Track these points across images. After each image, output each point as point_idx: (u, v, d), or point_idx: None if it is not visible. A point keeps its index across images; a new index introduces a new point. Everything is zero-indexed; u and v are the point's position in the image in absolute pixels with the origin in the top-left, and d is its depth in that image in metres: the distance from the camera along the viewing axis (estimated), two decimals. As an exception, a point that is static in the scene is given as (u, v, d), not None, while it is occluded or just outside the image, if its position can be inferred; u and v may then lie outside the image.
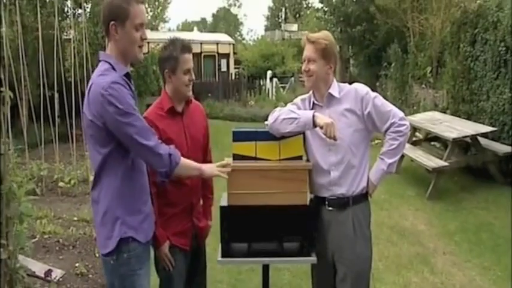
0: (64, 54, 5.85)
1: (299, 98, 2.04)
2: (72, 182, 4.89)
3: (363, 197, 1.91)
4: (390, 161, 1.89)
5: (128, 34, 1.57)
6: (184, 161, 1.67)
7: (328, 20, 14.13)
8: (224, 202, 1.91)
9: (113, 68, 1.56)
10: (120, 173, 1.58)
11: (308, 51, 1.88)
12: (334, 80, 1.94)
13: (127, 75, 1.61)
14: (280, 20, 23.47)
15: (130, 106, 1.53)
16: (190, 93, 2.00)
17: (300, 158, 1.90)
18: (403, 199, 5.00)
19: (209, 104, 11.90)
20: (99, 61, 1.61)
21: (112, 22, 1.56)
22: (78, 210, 4.34)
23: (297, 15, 28.44)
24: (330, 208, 1.91)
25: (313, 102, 1.95)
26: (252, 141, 1.88)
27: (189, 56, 1.95)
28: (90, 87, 1.55)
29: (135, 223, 1.64)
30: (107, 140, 1.56)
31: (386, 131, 1.90)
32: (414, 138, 6.39)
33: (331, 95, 1.90)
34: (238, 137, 1.90)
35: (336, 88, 1.90)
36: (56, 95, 5.73)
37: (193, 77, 1.98)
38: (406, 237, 3.95)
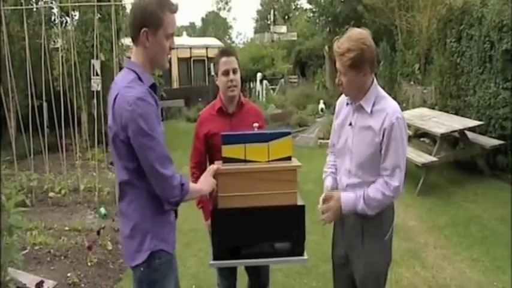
0: (52, 63, 5.81)
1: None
2: (63, 191, 4.86)
3: None
4: (366, 208, 1.79)
5: (159, 43, 1.54)
6: (191, 187, 1.65)
7: (316, 21, 14.23)
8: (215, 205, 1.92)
9: (139, 78, 1.52)
10: (145, 187, 1.54)
11: (337, 63, 1.77)
12: (374, 88, 1.79)
13: (153, 85, 1.57)
14: (269, 22, 23.54)
15: (154, 128, 1.48)
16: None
17: (289, 158, 1.91)
18: (393, 196, 5.06)
19: (200, 108, 11.88)
20: (123, 68, 1.59)
21: (144, 29, 1.51)
22: (70, 219, 4.32)
23: (286, 17, 28.55)
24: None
25: (347, 102, 1.90)
26: (241, 144, 1.89)
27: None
28: (116, 98, 1.50)
29: (165, 234, 1.63)
30: (131, 155, 1.51)
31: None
32: (404, 135, 6.45)
33: (361, 106, 1.81)
34: (227, 140, 1.90)
35: (370, 100, 1.78)
36: (45, 105, 5.69)
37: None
38: (397, 234, 3.89)
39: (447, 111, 6.26)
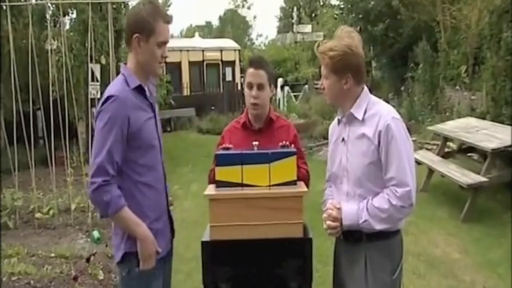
0: (46, 66, 5.92)
1: None
2: (52, 212, 4.87)
3: (384, 235, 1.77)
4: (371, 221, 1.72)
5: (150, 50, 1.77)
6: (124, 213, 1.74)
7: (346, 19, 14.18)
8: (206, 237, 1.89)
9: (126, 80, 1.78)
10: (125, 188, 1.74)
11: (321, 65, 1.84)
12: (364, 96, 1.82)
13: (139, 87, 1.80)
14: (293, 21, 23.76)
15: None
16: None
17: (293, 183, 1.89)
18: (432, 222, 4.85)
19: (212, 118, 11.94)
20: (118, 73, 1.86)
21: (136, 34, 1.75)
22: (57, 244, 4.31)
23: (312, 15, 28.67)
24: (343, 239, 1.86)
25: (338, 119, 1.92)
26: (237, 166, 1.88)
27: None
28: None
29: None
30: None
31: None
32: (446, 149, 6.24)
33: (352, 115, 1.82)
34: (221, 160, 1.91)
35: (361, 107, 1.80)
36: (40, 113, 5.78)
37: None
38: (436, 268, 3.81)
39: (501, 122, 6.00)
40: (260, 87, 2.14)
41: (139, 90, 1.79)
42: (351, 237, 1.80)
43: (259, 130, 2.20)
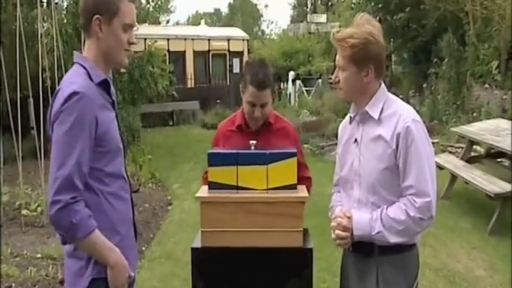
0: (38, 51, 5.93)
1: None
2: (40, 209, 4.88)
3: (398, 249, 1.72)
4: (385, 233, 1.67)
5: (115, 34, 1.62)
6: (95, 236, 1.56)
7: (364, 9, 14.06)
8: (197, 243, 1.87)
9: (89, 74, 1.61)
10: (91, 202, 1.57)
11: (337, 54, 1.78)
12: (381, 93, 1.78)
13: (104, 82, 1.65)
14: (307, 10, 23.69)
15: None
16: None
17: (293, 187, 1.87)
18: (454, 233, 4.75)
19: (218, 112, 11.93)
20: (74, 63, 1.67)
21: (96, 16, 1.60)
22: (44, 244, 4.31)
23: (328, 4, 28.61)
24: (352, 251, 1.81)
25: (350, 116, 1.87)
26: (232, 166, 1.86)
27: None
28: (57, 93, 1.59)
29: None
30: None
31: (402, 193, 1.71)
32: (472, 154, 6.12)
33: (367, 113, 1.77)
34: (214, 160, 1.89)
35: (377, 105, 1.75)
36: (31, 101, 5.79)
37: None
38: (457, 285, 3.71)
39: (538, 124, 5.84)
40: (264, 105, 2.11)
41: (104, 85, 1.65)
42: (362, 249, 1.75)
43: (256, 132, 2.17)
